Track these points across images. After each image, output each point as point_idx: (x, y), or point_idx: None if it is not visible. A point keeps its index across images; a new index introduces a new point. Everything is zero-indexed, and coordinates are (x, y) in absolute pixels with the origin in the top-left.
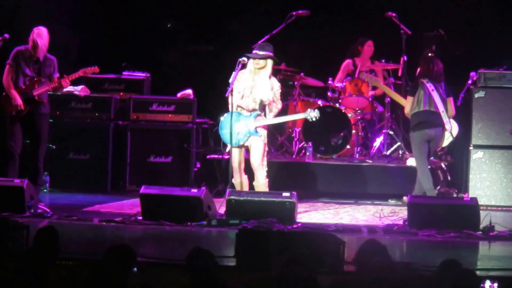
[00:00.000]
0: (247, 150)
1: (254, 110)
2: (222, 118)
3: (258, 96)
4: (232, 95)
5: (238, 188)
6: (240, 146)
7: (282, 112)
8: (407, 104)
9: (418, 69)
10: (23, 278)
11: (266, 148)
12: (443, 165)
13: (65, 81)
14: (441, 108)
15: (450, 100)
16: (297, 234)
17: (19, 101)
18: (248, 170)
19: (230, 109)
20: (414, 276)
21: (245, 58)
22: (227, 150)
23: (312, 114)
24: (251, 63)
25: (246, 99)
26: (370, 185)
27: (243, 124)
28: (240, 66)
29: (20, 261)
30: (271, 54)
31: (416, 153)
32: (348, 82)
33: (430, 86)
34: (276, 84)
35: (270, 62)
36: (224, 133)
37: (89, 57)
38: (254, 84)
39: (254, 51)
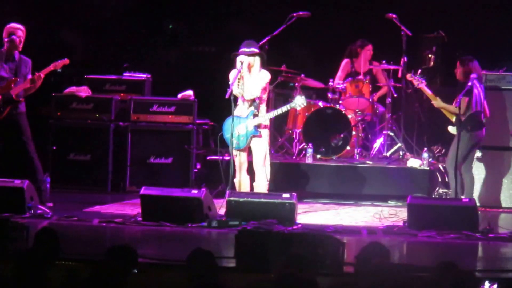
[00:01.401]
0: (249, 152)
1: (250, 108)
2: (224, 123)
3: (253, 94)
4: (233, 96)
5: (237, 186)
6: (243, 149)
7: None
8: (463, 105)
9: (465, 70)
10: (22, 279)
11: (268, 152)
12: (441, 167)
13: (38, 77)
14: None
15: (484, 102)
16: (297, 235)
17: None
18: (250, 171)
19: (232, 110)
20: (413, 278)
21: (249, 59)
22: (234, 153)
23: (299, 101)
24: (244, 68)
25: (244, 103)
26: (370, 186)
27: (242, 127)
28: (241, 67)
29: (20, 262)
30: (257, 50)
31: (464, 154)
32: (348, 83)
33: (480, 86)
34: (264, 75)
35: (257, 58)
36: (228, 137)
37: (91, 58)
38: (248, 84)
39: (241, 50)
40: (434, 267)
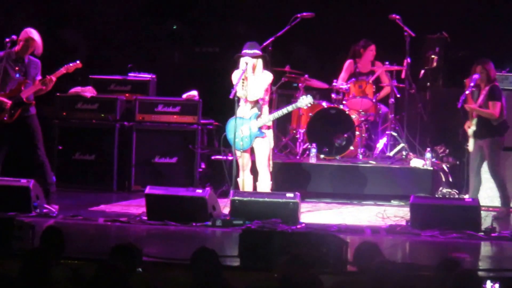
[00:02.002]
0: (253, 152)
1: (253, 109)
2: (227, 124)
3: (256, 96)
4: (236, 97)
5: (241, 185)
6: (247, 150)
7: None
8: (498, 108)
9: (492, 74)
10: (28, 277)
11: (271, 151)
12: (444, 167)
13: (50, 80)
14: None
15: None
16: (301, 235)
17: (6, 101)
18: (253, 170)
19: (235, 111)
20: (416, 277)
21: (253, 60)
22: (238, 155)
23: (305, 101)
24: (249, 69)
25: (247, 104)
26: (373, 186)
27: (246, 128)
28: (246, 67)
29: (26, 261)
30: (260, 52)
31: (499, 159)
32: (352, 83)
33: None
34: (267, 77)
35: (260, 60)
36: (231, 138)
37: (96, 58)
38: (252, 86)
39: (244, 51)
40: (437, 265)
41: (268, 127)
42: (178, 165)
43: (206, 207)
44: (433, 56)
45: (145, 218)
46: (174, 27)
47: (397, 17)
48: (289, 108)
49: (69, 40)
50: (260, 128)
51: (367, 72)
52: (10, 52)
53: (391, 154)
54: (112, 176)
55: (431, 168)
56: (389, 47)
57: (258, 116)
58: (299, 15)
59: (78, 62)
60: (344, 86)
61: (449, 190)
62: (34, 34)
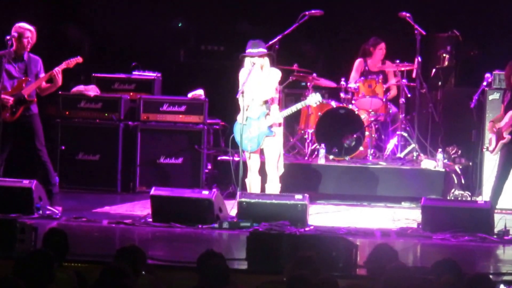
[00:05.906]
0: (262, 153)
1: (261, 108)
2: (234, 126)
3: (267, 95)
4: (243, 96)
5: (248, 186)
6: (255, 151)
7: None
8: None
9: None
10: (31, 280)
11: (282, 150)
12: (457, 168)
13: (55, 73)
14: None
15: None
16: (309, 237)
17: (7, 97)
18: (262, 171)
19: (241, 110)
20: (427, 280)
21: (260, 60)
22: (247, 156)
23: (314, 99)
24: (257, 69)
25: (254, 101)
26: (384, 188)
27: (255, 128)
28: (253, 67)
29: (28, 263)
30: (266, 51)
31: None
32: (361, 83)
33: None
34: (275, 74)
35: (267, 58)
36: (239, 140)
37: (100, 56)
38: (261, 85)
39: (249, 51)
40: (432, 266)
41: (279, 124)
42: (184, 166)
43: (213, 209)
44: (444, 55)
45: (150, 220)
46: (180, 25)
47: (407, 15)
48: (298, 105)
49: (72, 38)
50: (269, 127)
51: (377, 71)
52: (10, 51)
53: (402, 155)
54: (117, 177)
55: (443, 170)
56: (399, 46)
57: (266, 115)
58: (307, 12)
59: (78, 57)
60: (353, 85)
61: (462, 192)
62: (28, 26)
